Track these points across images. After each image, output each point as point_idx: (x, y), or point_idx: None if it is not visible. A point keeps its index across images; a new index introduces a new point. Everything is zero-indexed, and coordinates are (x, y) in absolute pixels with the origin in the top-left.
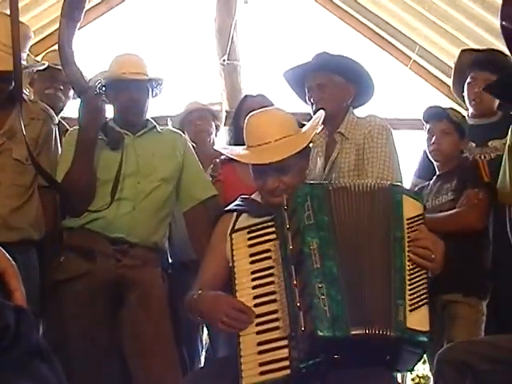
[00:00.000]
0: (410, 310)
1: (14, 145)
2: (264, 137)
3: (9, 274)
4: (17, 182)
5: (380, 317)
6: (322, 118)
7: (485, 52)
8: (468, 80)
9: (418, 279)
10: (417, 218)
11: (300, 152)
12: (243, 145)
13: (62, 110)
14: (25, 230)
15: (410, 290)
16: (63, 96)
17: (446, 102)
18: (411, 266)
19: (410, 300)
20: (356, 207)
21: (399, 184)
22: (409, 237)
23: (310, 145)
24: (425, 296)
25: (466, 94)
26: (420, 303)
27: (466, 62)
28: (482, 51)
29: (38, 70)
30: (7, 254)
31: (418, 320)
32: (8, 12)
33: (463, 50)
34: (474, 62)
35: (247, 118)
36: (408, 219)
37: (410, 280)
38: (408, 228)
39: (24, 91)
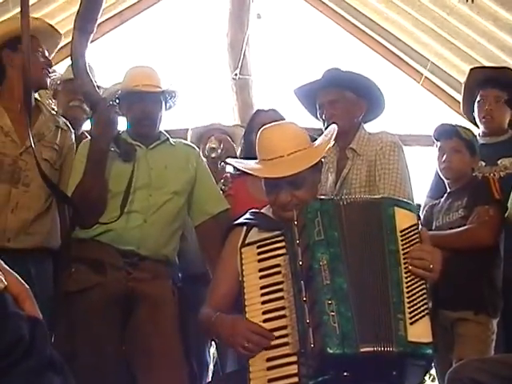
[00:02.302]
0: (411, 323)
1: (42, 148)
2: (277, 151)
3: (22, 298)
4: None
5: (382, 333)
6: (335, 133)
7: (494, 69)
8: (478, 98)
9: (416, 291)
10: (411, 229)
11: (313, 166)
12: (254, 159)
13: (85, 121)
14: (43, 236)
15: (408, 302)
16: (87, 108)
17: (457, 119)
18: (409, 279)
19: (410, 313)
20: (360, 222)
21: (390, 197)
22: (403, 249)
23: (323, 159)
24: (425, 307)
25: (476, 112)
26: (420, 315)
27: (476, 81)
28: (491, 69)
29: (61, 83)
30: (20, 278)
31: (420, 332)
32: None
33: (472, 69)
34: (484, 79)
35: (260, 131)
36: (402, 231)
37: (408, 293)
38: (402, 240)
39: (51, 102)
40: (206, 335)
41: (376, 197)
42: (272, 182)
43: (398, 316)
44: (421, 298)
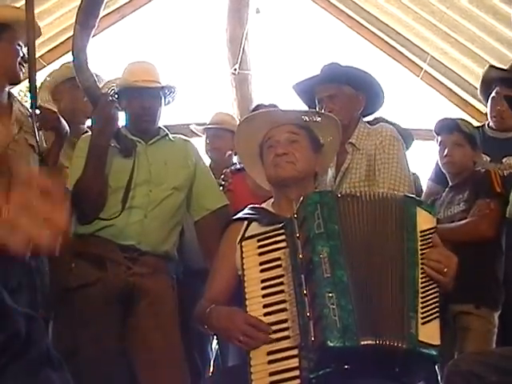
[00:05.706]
0: (422, 323)
1: (25, 134)
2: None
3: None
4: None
5: (391, 328)
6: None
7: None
8: (493, 94)
9: (429, 292)
10: (430, 231)
11: (311, 142)
12: None
13: None
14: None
15: (422, 302)
16: None
17: (457, 112)
18: (424, 279)
19: (422, 313)
20: (367, 216)
21: (413, 196)
22: (421, 249)
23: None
24: (436, 310)
25: (489, 107)
26: (431, 316)
27: (494, 77)
28: (509, 71)
29: (66, 81)
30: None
31: (430, 333)
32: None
33: (491, 66)
34: (501, 78)
35: None
36: (421, 232)
37: (422, 293)
38: (421, 241)
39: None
40: (202, 328)
41: (398, 194)
42: (275, 139)
43: (410, 314)
44: (433, 300)
